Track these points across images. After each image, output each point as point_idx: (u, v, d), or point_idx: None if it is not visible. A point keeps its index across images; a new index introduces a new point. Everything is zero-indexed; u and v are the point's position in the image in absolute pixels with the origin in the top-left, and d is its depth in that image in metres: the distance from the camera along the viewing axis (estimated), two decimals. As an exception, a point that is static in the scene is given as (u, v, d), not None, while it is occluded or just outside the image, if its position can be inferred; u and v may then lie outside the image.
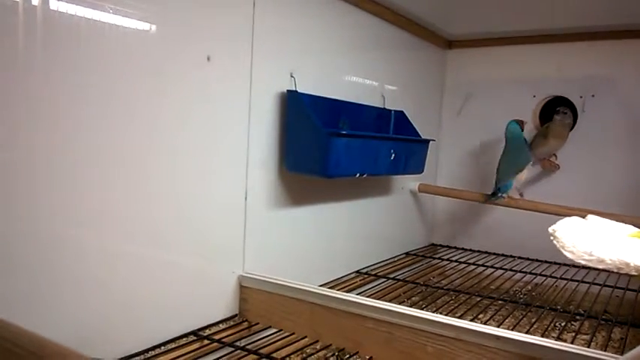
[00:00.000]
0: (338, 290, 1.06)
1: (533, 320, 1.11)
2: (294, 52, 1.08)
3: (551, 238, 0.61)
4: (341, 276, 1.29)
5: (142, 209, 0.79)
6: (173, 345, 0.84)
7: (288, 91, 1.04)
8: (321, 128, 1.00)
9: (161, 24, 0.79)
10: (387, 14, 1.37)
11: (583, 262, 0.58)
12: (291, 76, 1.06)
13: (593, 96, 1.52)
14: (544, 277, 1.38)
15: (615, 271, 0.56)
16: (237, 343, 0.88)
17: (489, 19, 1.50)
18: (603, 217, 0.69)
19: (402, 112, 1.39)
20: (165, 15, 0.80)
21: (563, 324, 1.18)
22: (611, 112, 1.50)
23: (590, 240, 0.59)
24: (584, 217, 0.68)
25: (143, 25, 0.77)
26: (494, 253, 1.62)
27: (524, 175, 1.44)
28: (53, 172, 0.68)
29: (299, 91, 1.05)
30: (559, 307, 1.19)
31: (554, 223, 0.65)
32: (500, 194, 1.43)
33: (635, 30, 1.44)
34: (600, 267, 0.57)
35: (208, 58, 0.87)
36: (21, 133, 0.64)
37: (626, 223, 0.67)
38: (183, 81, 0.84)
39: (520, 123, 1.46)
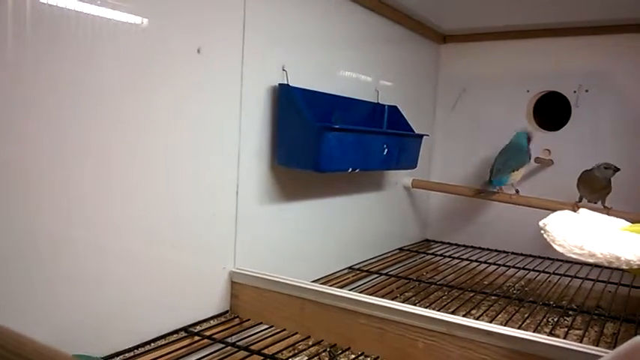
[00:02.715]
0: (330, 286, 1.06)
1: (526, 315, 1.11)
2: (287, 45, 1.07)
3: (542, 232, 0.61)
4: (334, 272, 1.28)
5: (131, 205, 0.78)
6: (163, 341, 0.84)
7: (280, 84, 1.04)
8: (313, 122, 1.00)
9: (150, 15, 0.78)
10: (381, 8, 1.36)
11: (574, 256, 0.57)
12: (283, 70, 1.05)
13: (587, 91, 1.52)
14: (537, 273, 1.38)
15: (606, 265, 0.56)
16: (228, 340, 0.87)
17: (483, 13, 1.49)
18: (595, 211, 0.68)
19: (395, 106, 1.38)
20: (153, 6, 0.79)
21: (555, 319, 1.18)
22: (604, 107, 1.50)
23: (581, 234, 0.58)
24: (575, 211, 0.67)
25: (131, 17, 0.75)
26: (488, 249, 1.62)
27: (520, 175, 1.44)
28: (45, 169, 0.67)
29: (291, 84, 1.04)
30: (552, 303, 1.18)
31: (547, 217, 0.65)
32: (493, 185, 1.43)
33: (630, 24, 1.44)
34: (591, 261, 0.56)
35: (198, 51, 0.86)
36: (11, 130, 0.63)
37: (618, 217, 0.67)
38: (172, 74, 0.82)
39: (529, 135, 1.47)
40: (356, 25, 1.29)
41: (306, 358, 0.92)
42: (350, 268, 1.34)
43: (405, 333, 0.82)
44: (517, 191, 1.44)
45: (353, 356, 0.88)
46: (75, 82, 0.69)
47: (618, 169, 1.24)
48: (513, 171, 1.42)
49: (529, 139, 1.46)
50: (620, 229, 0.62)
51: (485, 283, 1.37)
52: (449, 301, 1.18)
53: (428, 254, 1.58)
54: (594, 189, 1.29)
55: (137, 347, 0.80)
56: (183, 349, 0.84)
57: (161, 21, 0.80)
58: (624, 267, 0.55)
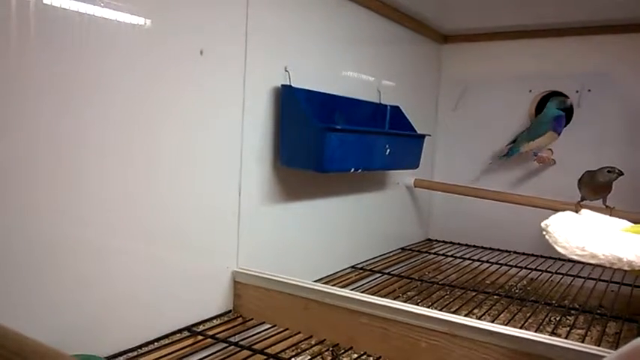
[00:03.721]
0: (333, 286, 1.06)
1: (528, 315, 1.11)
2: (289, 46, 1.07)
3: (544, 233, 0.61)
4: (336, 271, 1.29)
5: (134, 205, 0.79)
6: (167, 341, 0.84)
7: (282, 85, 1.04)
8: (315, 123, 1.00)
9: (152, 17, 0.78)
10: (383, 8, 1.36)
11: (575, 257, 0.57)
12: (286, 71, 1.05)
13: (589, 91, 1.52)
14: (539, 272, 1.38)
15: (608, 266, 0.56)
16: (231, 339, 0.88)
17: (485, 13, 1.49)
18: (597, 211, 0.68)
19: (397, 107, 1.38)
20: (156, 8, 0.79)
21: (557, 318, 1.18)
22: (607, 107, 1.50)
23: (583, 235, 0.58)
24: (578, 211, 0.68)
25: (134, 19, 0.76)
26: (490, 248, 1.62)
27: (538, 145, 1.53)
28: (47, 169, 0.67)
29: (293, 85, 1.05)
30: (554, 302, 1.19)
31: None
32: (508, 156, 1.57)
33: (632, 24, 1.44)
34: (593, 262, 0.56)
35: (201, 52, 0.86)
36: (9, 130, 0.64)
37: (620, 217, 0.67)
38: (175, 75, 0.83)
39: (563, 101, 1.51)
40: (358, 26, 1.30)
41: (309, 357, 0.92)
42: (352, 267, 1.34)
43: (407, 333, 0.82)
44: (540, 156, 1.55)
45: (355, 356, 0.88)
46: (77, 82, 0.69)
47: (622, 174, 1.24)
48: (529, 141, 1.52)
49: (559, 107, 1.50)
50: (622, 230, 0.62)
51: (488, 282, 1.37)
52: (451, 300, 1.18)
53: (430, 254, 1.58)
54: (595, 191, 1.29)
55: (140, 347, 0.80)
56: (186, 348, 0.84)
57: (164, 22, 0.80)
58: (626, 268, 0.55)
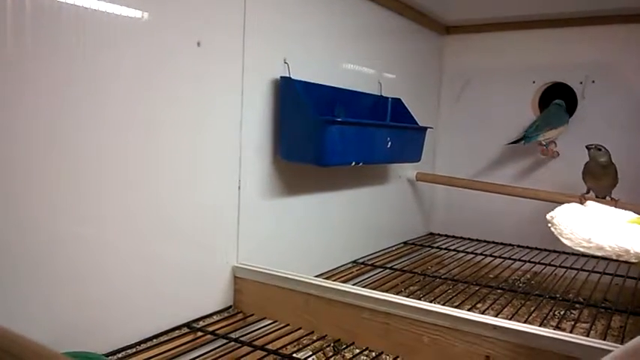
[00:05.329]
0: (334, 280, 1.05)
1: (532, 309, 1.10)
2: (288, 37, 1.05)
3: (549, 224, 0.59)
4: (337, 266, 1.28)
5: (133, 201, 0.78)
6: (166, 337, 0.83)
7: (281, 77, 1.03)
8: (315, 115, 0.99)
9: (149, 9, 0.77)
10: (384, -1, 1.35)
11: (581, 249, 0.56)
12: (285, 63, 1.04)
13: (593, 82, 1.50)
14: (543, 266, 1.37)
15: (615, 258, 0.55)
16: (232, 335, 0.87)
17: (487, 4, 1.47)
18: (603, 203, 0.67)
19: (399, 99, 1.37)
20: (153, 0, 0.78)
21: (562, 312, 1.17)
22: (611, 98, 1.48)
23: (589, 226, 0.57)
24: (583, 203, 0.66)
25: (131, 11, 0.75)
26: (493, 242, 1.61)
27: (555, 134, 1.50)
28: (46, 166, 0.66)
29: (293, 77, 1.03)
30: (558, 296, 1.17)
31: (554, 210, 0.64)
32: (526, 140, 1.49)
33: (636, 15, 1.42)
34: (599, 254, 0.55)
35: (198, 44, 0.85)
36: (10, 129, 0.63)
37: (626, 209, 0.65)
38: (172, 68, 0.82)
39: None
40: (358, 17, 1.28)
41: (310, 352, 0.91)
42: (354, 262, 1.34)
43: (409, 327, 0.81)
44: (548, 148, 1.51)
45: (357, 351, 0.88)
46: (74, 75, 0.68)
47: (599, 149, 1.28)
48: (551, 129, 1.48)
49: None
50: (628, 222, 0.61)
51: (491, 276, 1.36)
52: (454, 294, 1.17)
53: (433, 248, 1.57)
54: (595, 176, 1.28)
55: (139, 343, 0.80)
56: (186, 344, 0.84)
57: (161, 14, 0.79)
58: (633, 260, 0.54)
